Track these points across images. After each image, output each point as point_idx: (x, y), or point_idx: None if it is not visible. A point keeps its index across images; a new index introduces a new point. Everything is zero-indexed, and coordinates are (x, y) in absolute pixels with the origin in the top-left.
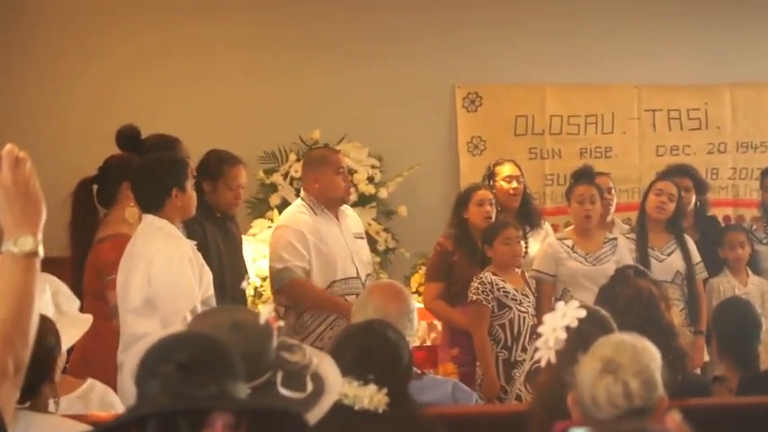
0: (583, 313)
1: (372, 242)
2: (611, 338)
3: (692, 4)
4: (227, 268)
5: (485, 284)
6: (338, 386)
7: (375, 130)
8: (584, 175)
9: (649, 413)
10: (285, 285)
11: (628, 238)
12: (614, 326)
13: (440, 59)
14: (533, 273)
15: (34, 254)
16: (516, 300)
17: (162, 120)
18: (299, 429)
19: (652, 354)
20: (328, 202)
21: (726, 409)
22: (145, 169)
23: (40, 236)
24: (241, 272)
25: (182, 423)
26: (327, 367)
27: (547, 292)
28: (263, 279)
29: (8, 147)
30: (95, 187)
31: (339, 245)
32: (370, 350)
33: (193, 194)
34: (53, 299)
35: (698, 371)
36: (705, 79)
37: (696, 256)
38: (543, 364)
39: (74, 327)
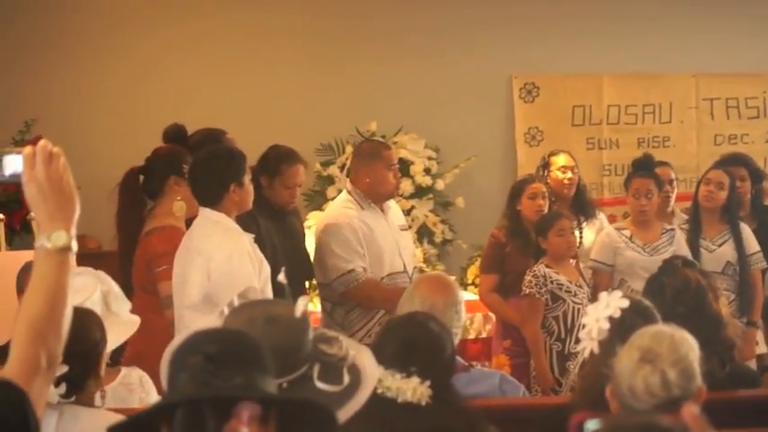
0: (626, 303)
1: (429, 234)
2: (649, 329)
3: None
4: (282, 264)
5: (538, 278)
6: (375, 378)
7: (432, 122)
8: (643, 165)
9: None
10: (353, 288)
11: (682, 228)
12: (658, 316)
13: (497, 50)
14: (591, 263)
15: (68, 249)
16: (570, 291)
17: (218, 112)
18: (329, 423)
19: (690, 344)
20: (376, 197)
21: None
22: (202, 163)
23: (73, 231)
24: (303, 265)
25: (208, 412)
26: (365, 359)
27: (604, 281)
28: None
29: (42, 142)
30: (142, 178)
31: (387, 239)
32: (413, 342)
33: (251, 188)
34: (104, 298)
35: (754, 362)
36: (763, 68)
37: (753, 246)
38: (586, 354)
39: (119, 327)
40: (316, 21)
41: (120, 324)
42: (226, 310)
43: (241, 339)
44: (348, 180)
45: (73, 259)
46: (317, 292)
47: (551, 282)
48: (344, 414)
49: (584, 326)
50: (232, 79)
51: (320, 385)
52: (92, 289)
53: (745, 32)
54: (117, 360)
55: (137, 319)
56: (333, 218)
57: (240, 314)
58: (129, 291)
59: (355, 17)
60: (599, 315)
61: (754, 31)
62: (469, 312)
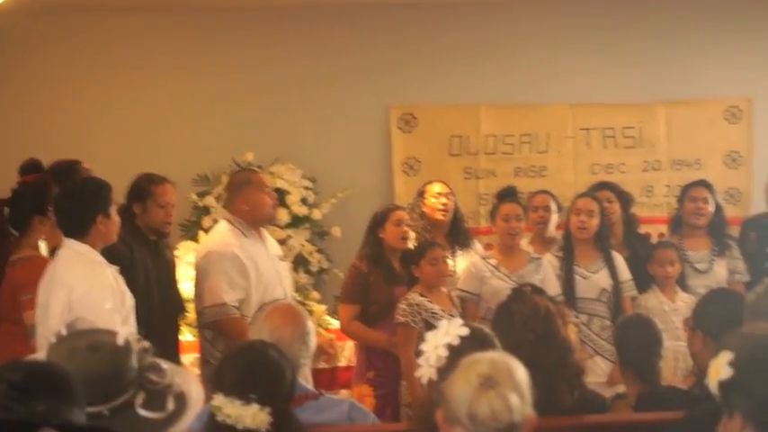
0: (465, 331)
1: (306, 263)
2: (478, 355)
3: (625, 24)
4: (156, 291)
5: (412, 306)
6: (200, 404)
7: (308, 152)
8: (507, 194)
9: (521, 428)
10: (221, 322)
11: (555, 255)
12: (497, 344)
13: (374, 80)
14: (458, 292)
15: None
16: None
17: (95, 145)
18: None
19: (522, 370)
20: (257, 222)
21: (621, 426)
22: (70, 194)
23: None
24: (172, 295)
25: None
26: (192, 387)
27: (471, 310)
28: (188, 301)
29: None
30: (7, 210)
31: (268, 267)
32: (252, 370)
33: (117, 220)
34: None
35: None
36: (639, 98)
37: (625, 274)
38: (424, 381)
39: None
40: (192, 54)
41: None
42: (53, 340)
43: (48, 369)
44: (226, 211)
45: None
46: (196, 320)
47: (425, 311)
48: None
49: (422, 352)
50: (108, 113)
51: (142, 412)
52: None
53: (621, 63)
54: None
55: None
56: (215, 246)
57: (64, 343)
58: None
59: (231, 50)
60: (438, 342)
61: (630, 62)
62: (341, 341)
